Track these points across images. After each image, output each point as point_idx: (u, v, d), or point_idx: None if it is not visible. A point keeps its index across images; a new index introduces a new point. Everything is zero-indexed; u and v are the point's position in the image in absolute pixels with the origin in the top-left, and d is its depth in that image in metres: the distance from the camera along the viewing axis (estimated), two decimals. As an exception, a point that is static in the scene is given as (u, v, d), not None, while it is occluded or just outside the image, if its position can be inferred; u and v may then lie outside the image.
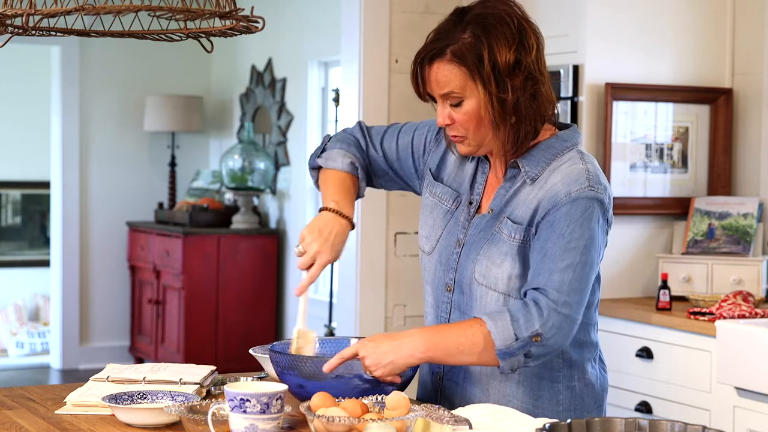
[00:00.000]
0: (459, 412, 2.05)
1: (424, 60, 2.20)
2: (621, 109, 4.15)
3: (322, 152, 2.48)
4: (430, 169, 2.41)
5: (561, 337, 2.15)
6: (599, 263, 2.24)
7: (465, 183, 2.35)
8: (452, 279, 2.30)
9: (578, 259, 2.15)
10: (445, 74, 2.18)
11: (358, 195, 2.46)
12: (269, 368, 2.45)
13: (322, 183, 2.44)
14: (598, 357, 2.34)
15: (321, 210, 2.36)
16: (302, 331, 2.29)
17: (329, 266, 2.33)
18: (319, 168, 2.47)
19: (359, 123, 2.53)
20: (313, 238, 2.30)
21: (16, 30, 2.20)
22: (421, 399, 2.38)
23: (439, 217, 2.36)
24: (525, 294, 2.18)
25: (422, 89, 2.23)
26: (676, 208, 4.27)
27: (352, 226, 2.36)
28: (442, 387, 2.33)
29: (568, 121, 4.11)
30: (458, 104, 2.20)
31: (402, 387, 2.20)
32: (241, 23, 2.19)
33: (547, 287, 2.14)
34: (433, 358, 2.16)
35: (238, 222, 7.24)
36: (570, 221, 2.16)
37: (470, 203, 2.32)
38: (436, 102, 2.25)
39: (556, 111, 2.27)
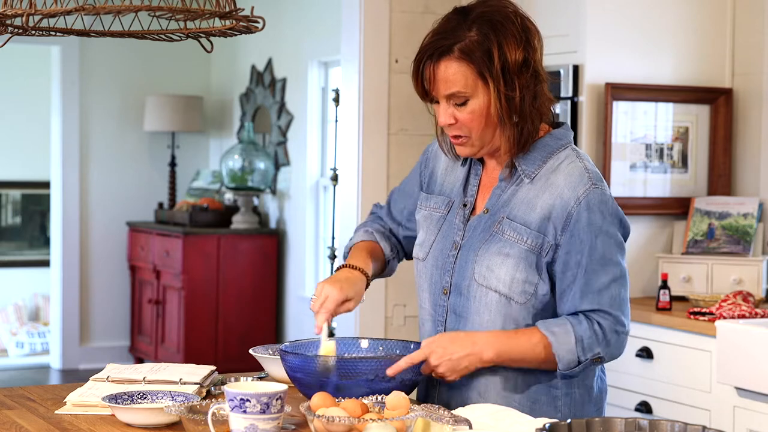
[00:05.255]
0: (459, 412, 2.05)
1: (431, 57, 2.18)
2: (621, 109, 4.15)
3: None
4: (422, 191, 2.42)
5: (618, 353, 2.23)
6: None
7: (456, 187, 2.34)
8: (449, 282, 2.29)
9: (618, 271, 2.20)
10: (453, 72, 2.16)
11: (386, 258, 2.49)
12: (269, 368, 2.45)
13: None
14: None
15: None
16: (323, 348, 2.30)
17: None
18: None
19: (374, 204, 2.59)
20: (324, 283, 2.33)
21: (16, 30, 2.20)
22: (419, 400, 2.38)
23: (432, 224, 2.36)
24: (578, 314, 2.19)
25: (427, 88, 2.21)
26: (676, 208, 4.27)
27: (367, 277, 2.39)
28: (439, 391, 2.33)
29: (569, 121, 4.12)
30: (463, 104, 2.18)
31: (408, 390, 2.20)
32: (241, 23, 2.19)
33: (602, 307, 2.18)
34: (498, 363, 2.20)
35: (238, 222, 7.24)
36: (595, 230, 2.18)
37: (464, 205, 2.32)
38: (436, 103, 2.24)
39: (554, 110, 2.28)
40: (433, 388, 2.34)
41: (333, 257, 6.06)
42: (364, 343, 2.40)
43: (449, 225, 2.32)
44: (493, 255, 2.22)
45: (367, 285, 2.40)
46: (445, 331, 2.29)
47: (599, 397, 2.32)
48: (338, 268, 2.40)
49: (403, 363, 2.14)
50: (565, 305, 2.21)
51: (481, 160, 2.33)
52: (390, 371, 2.13)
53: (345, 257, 2.52)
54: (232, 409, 1.87)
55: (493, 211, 2.26)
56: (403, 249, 2.55)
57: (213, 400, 2.15)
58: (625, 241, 2.26)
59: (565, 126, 2.30)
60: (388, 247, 2.50)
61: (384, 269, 2.51)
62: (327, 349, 2.29)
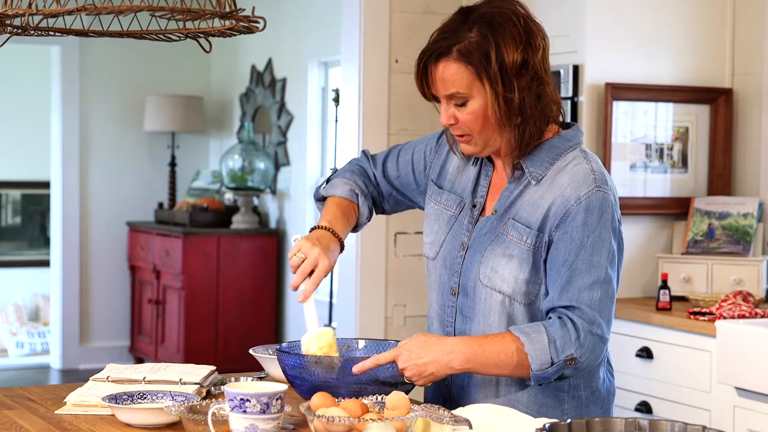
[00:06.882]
0: (459, 412, 2.04)
1: (430, 58, 2.18)
2: (621, 109, 4.15)
3: (326, 183, 2.50)
4: (432, 180, 2.41)
5: (594, 358, 2.17)
6: (620, 270, 2.24)
7: (468, 187, 2.34)
8: (456, 282, 2.28)
9: (604, 275, 2.16)
10: (451, 73, 2.16)
11: (358, 221, 2.46)
12: (269, 368, 2.45)
13: (322, 209, 2.45)
14: (606, 360, 2.32)
15: (313, 229, 2.36)
16: (320, 333, 2.26)
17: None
18: (324, 199, 2.48)
19: (363, 151, 2.55)
20: (312, 244, 2.29)
21: (16, 30, 2.19)
22: (427, 400, 2.37)
23: (443, 223, 2.35)
24: (552, 310, 2.17)
25: (427, 89, 2.21)
26: (676, 208, 4.27)
27: (342, 246, 2.36)
28: (450, 393, 2.32)
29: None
30: (463, 104, 2.18)
31: (407, 391, 2.19)
32: (241, 23, 2.18)
33: (579, 305, 2.14)
34: (469, 369, 2.17)
35: (238, 222, 7.24)
36: (588, 231, 2.15)
37: (474, 206, 2.31)
38: (439, 102, 2.24)
39: (561, 111, 2.26)
40: (444, 390, 2.33)
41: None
42: (361, 344, 2.40)
43: (459, 225, 2.31)
44: (498, 256, 2.22)
45: (340, 252, 2.37)
46: (454, 332, 2.29)
47: (606, 399, 2.30)
48: (319, 228, 2.35)
49: (370, 362, 2.13)
50: (545, 302, 2.19)
51: (492, 161, 2.33)
52: (356, 369, 2.12)
53: (317, 197, 2.49)
54: (232, 409, 1.87)
55: (501, 213, 2.26)
56: (381, 206, 2.52)
57: (213, 400, 2.15)
58: (621, 257, 2.22)
59: (575, 127, 2.28)
60: (366, 211, 2.47)
61: (352, 230, 2.47)
62: (324, 336, 2.25)
